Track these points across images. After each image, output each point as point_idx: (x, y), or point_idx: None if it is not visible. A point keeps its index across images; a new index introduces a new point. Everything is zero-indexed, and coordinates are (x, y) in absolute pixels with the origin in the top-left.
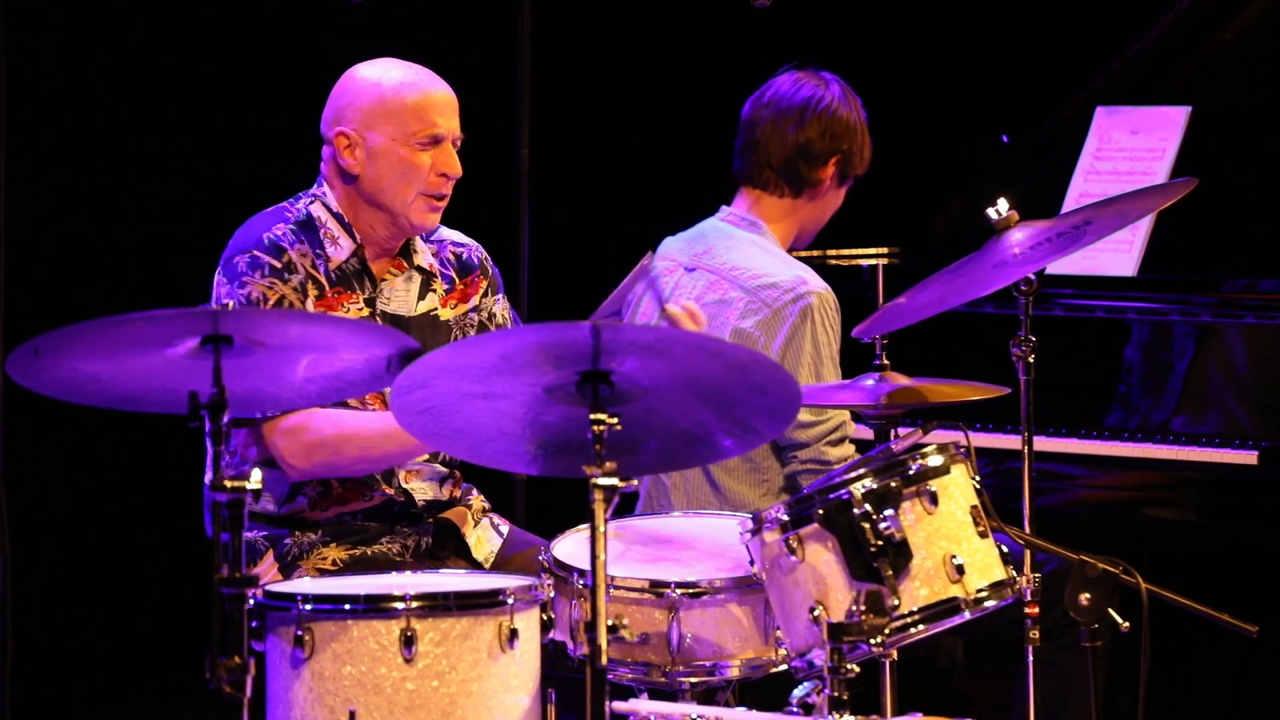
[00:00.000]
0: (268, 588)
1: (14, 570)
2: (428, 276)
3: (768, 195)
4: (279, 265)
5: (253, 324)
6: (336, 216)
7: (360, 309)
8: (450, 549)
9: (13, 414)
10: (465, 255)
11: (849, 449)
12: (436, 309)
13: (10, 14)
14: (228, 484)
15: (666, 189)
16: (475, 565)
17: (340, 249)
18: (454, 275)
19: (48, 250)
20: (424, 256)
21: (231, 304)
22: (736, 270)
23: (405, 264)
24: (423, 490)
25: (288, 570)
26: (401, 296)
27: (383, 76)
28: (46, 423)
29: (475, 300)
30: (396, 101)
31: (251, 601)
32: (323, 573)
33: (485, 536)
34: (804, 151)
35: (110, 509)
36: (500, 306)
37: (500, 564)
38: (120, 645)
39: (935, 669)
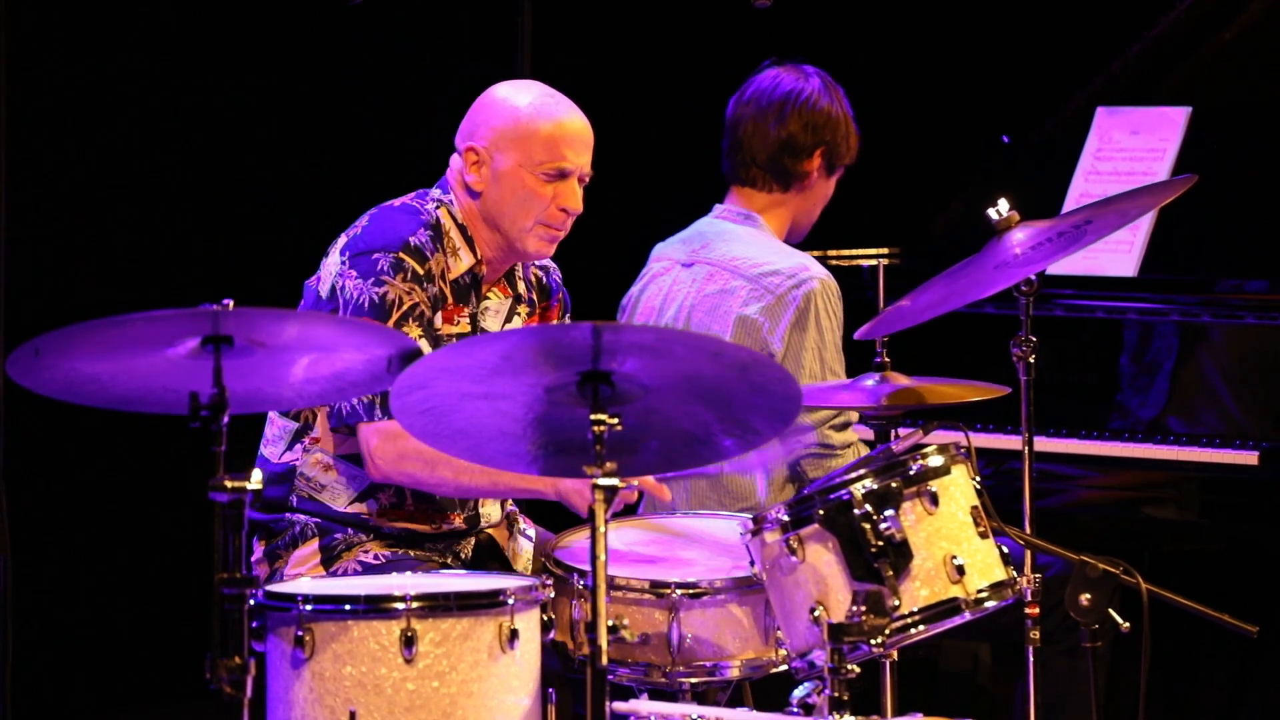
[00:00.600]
0: (268, 588)
1: (14, 570)
2: (516, 300)
3: (757, 191)
4: (421, 272)
5: (253, 324)
6: (461, 228)
7: (466, 323)
8: (492, 563)
9: (13, 414)
10: (545, 279)
11: (853, 435)
12: None
13: (10, 14)
14: (228, 484)
15: (666, 189)
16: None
17: (461, 261)
18: (535, 298)
19: (48, 250)
20: (522, 284)
21: (366, 302)
22: (737, 260)
23: (509, 289)
24: (488, 516)
25: (329, 562)
26: (493, 318)
27: (522, 100)
28: (47, 423)
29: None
30: (530, 128)
31: (252, 601)
32: (365, 566)
33: (520, 545)
34: (787, 146)
35: (110, 509)
36: None
37: (538, 569)
38: (120, 645)
39: (961, 673)
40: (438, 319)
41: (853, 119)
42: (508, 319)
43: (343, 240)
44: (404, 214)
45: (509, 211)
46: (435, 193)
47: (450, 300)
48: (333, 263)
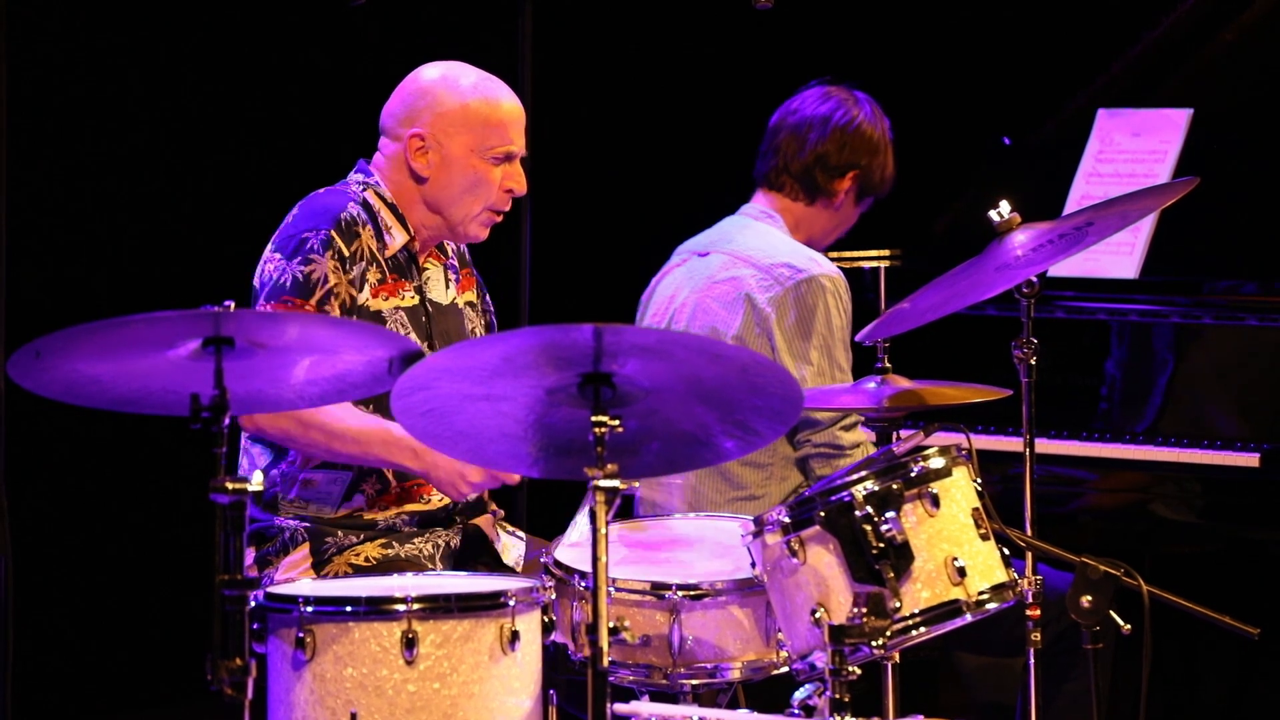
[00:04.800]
0: (269, 590)
1: (15, 572)
2: (448, 267)
3: (783, 197)
4: (347, 254)
5: (254, 326)
6: (391, 207)
7: (413, 296)
8: (482, 555)
9: (14, 415)
10: (459, 247)
11: (861, 435)
12: (456, 296)
13: (11, 15)
14: (229, 486)
15: (668, 188)
16: (508, 570)
17: (394, 239)
18: (457, 264)
19: (49, 251)
20: (451, 250)
21: (289, 280)
22: (751, 249)
23: (441, 256)
24: None
25: (320, 565)
26: (438, 286)
27: (464, 84)
28: (48, 424)
29: (473, 294)
30: (480, 115)
31: (253, 603)
32: (356, 568)
33: (510, 542)
34: (821, 161)
35: (111, 510)
36: (491, 307)
37: (526, 568)
38: (122, 647)
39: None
40: (368, 294)
41: (892, 151)
42: (447, 284)
43: (276, 235)
44: (333, 195)
45: (458, 197)
46: (356, 177)
47: (388, 275)
48: (265, 256)
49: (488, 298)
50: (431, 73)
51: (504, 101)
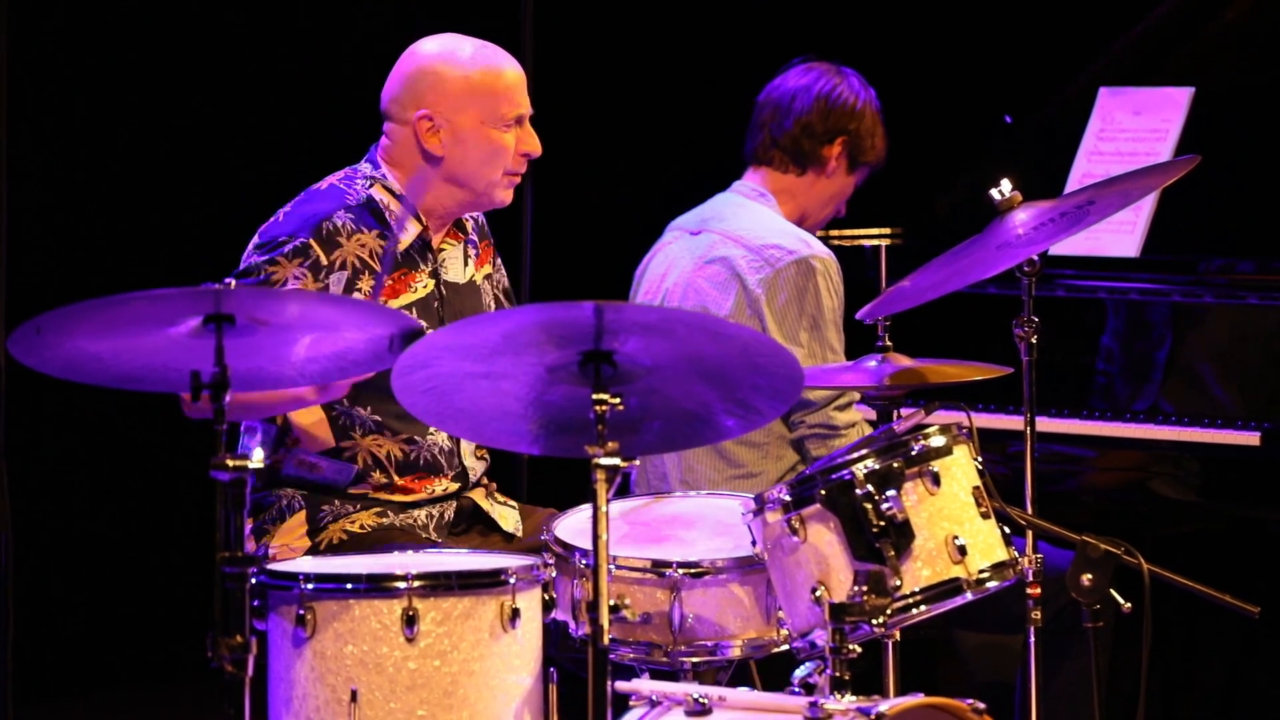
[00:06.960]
0: (270, 567)
1: (16, 548)
2: (467, 243)
3: (774, 171)
4: (325, 262)
5: (255, 303)
6: (400, 199)
7: (426, 285)
8: (476, 525)
9: (15, 392)
10: (479, 218)
11: (856, 415)
12: (475, 272)
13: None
14: (230, 463)
15: (669, 170)
16: (508, 536)
17: (408, 232)
18: (476, 239)
19: (50, 229)
20: (470, 226)
21: (250, 280)
22: (742, 230)
23: (460, 234)
24: (473, 469)
25: (316, 532)
26: (456, 265)
27: (462, 56)
28: (49, 401)
29: (489, 266)
30: (485, 85)
31: (253, 580)
32: (350, 534)
33: (505, 511)
34: (807, 129)
35: (112, 488)
36: (504, 273)
37: (527, 532)
38: (122, 623)
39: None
40: (357, 289)
41: (881, 120)
42: (465, 262)
43: (266, 225)
44: (327, 199)
45: (477, 170)
46: (365, 169)
47: (388, 276)
48: (251, 242)
49: (500, 263)
50: (428, 48)
51: (505, 68)
